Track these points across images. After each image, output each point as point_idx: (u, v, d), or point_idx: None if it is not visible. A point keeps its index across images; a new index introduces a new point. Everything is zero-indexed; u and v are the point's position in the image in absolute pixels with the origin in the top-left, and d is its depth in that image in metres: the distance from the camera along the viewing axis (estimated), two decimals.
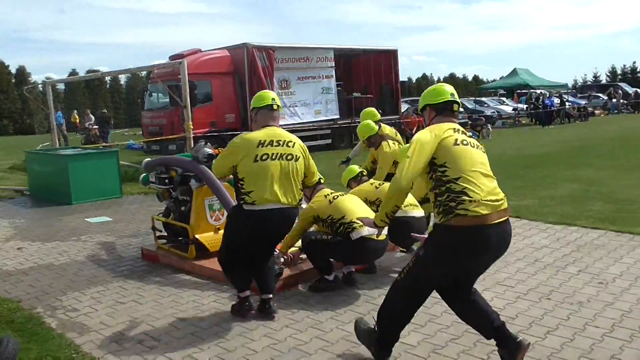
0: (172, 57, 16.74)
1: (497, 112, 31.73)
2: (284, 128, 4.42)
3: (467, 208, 3.01)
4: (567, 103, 31.18)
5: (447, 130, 3.22)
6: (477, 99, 35.17)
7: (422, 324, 4.05)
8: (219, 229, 5.81)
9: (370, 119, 6.51)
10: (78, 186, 9.90)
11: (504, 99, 36.01)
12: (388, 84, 21.50)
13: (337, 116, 19.26)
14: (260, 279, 4.37)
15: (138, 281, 5.42)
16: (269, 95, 4.28)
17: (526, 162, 13.13)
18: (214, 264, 5.50)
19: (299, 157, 4.20)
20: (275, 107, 4.22)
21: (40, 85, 21.29)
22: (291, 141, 4.21)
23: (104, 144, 19.02)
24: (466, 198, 3.02)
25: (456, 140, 3.19)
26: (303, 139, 21.90)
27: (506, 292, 4.65)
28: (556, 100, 31.02)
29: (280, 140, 4.14)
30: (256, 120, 4.27)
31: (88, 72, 44.56)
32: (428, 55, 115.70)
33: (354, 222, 4.59)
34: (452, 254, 3.15)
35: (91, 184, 10.05)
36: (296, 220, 4.56)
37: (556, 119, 29.59)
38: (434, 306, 4.24)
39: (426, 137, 3.19)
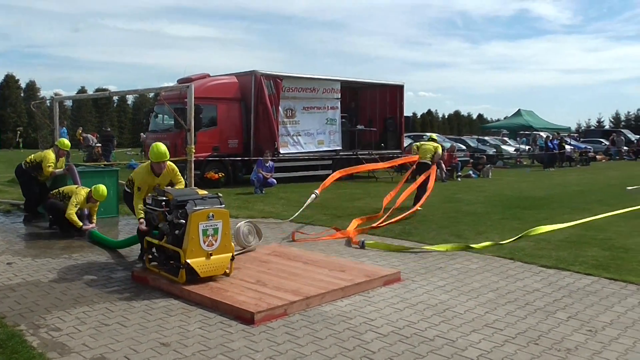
0: (181, 81, 16.89)
1: (500, 151, 31.89)
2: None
3: None
4: (568, 147, 31.29)
5: None
6: (479, 137, 35.31)
7: (391, 342, 4.34)
8: (211, 254, 5.80)
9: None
10: None
11: (506, 138, 36.17)
12: (392, 118, 21.69)
13: (340, 147, 19.34)
14: None
15: (125, 303, 5.39)
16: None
17: (525, 204, 13.11)
18: (203, 289, 5.50)
19: None
20: None
21: (48, 101, 21.53)
22: None
23: (105, 162, 19.09)
24: None
25: None
26: (303, 168, 21.77)
27: (494, 335, 4.60)
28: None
29: None
30: None
31: (97, 90, 44.91)
32: (434, 92, 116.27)
33: None
34: None
35: None
36: None
37: (557, 161, 29.68)
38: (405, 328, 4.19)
39: None
